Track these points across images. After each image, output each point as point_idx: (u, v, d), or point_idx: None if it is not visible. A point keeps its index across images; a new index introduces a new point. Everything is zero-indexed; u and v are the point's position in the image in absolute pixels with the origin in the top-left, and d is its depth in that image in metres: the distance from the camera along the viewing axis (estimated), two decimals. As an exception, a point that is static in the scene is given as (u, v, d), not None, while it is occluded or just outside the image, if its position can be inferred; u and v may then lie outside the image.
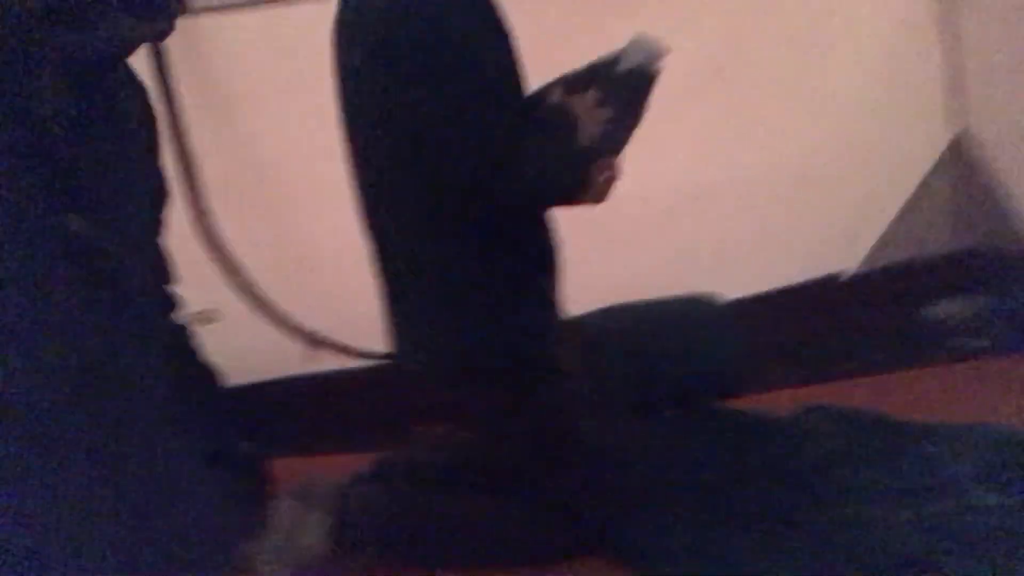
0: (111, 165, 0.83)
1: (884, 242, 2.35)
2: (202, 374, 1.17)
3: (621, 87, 1.34)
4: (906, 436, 1.53)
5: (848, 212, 2.35)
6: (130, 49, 0.87)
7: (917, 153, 2.29)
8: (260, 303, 2.25)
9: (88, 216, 0.78)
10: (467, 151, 1.22)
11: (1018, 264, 2.18)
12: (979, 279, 2.28)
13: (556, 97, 1.33)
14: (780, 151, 2.28)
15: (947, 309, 2.31)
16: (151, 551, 0.80)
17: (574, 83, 1.34)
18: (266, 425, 1.92)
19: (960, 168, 2.27)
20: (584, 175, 1.38)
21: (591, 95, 1.31)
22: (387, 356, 2.34)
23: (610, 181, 1.42)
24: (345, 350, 2.33)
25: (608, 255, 2.13)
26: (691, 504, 1.39)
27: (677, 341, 1.93)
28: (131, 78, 0.93)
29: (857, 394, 1.86)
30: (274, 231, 2.27)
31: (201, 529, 0.90)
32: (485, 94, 1.21)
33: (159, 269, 1.06)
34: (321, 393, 2.26)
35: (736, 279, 2.25)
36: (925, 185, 2.30)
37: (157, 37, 0.92)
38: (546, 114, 1.32)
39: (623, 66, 1.35)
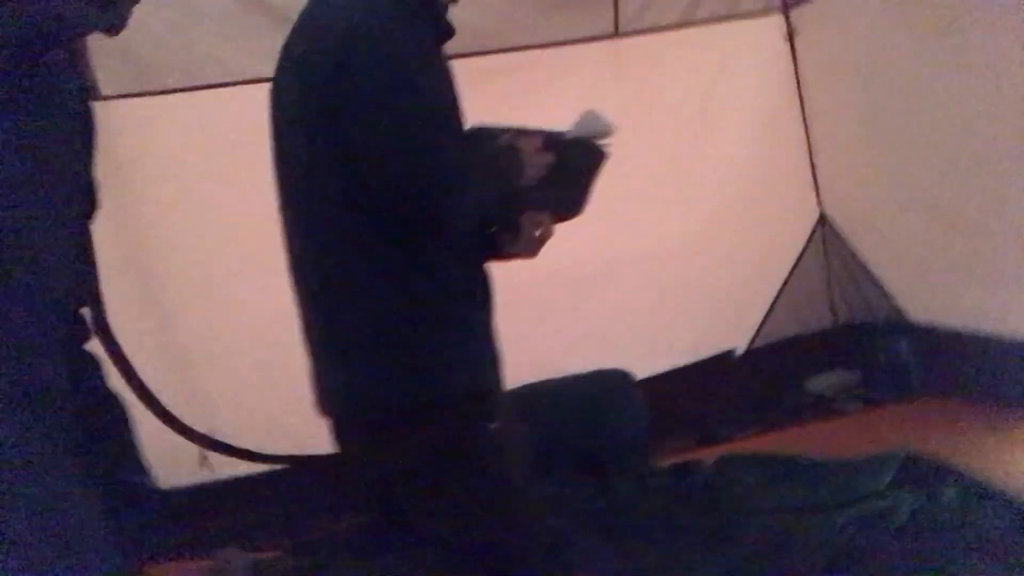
0: (39, 150, 0.79)
1: (768, 320, 2.53)
2: (107, 402, 1.08)
3: (567, 151, 1.42)
4: (816, 466, 1.60)
5: (733, 295, 2.52)
6: (76, 32, 0.87)
7: (789, 236, 2.52)
8: (154, 405, 2.13)
9: (5, 192, 0.74)
10: (418, 172, 1.24)
11: (881, 333, 2.39)
12: (852, 352, 2.48)
13: (505, 136, 1.41)
14: (666, 238, 2.47)
15: (826, 381, 2.48)
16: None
17: (522, 132, 1.42)
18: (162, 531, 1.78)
19: (827, 251, 2.52)
20: (519, 220, 1.44)
21: (537, 139, 1.40)
22: (285, 459, 2.26)
23: (544, 238, 1.49)
24: (242, 454, 2.21)
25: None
26: (644, 537, 1.39)
27: (594, 412, 1.97)
28: (75, 76, 0.92)
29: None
30: (166, 329, 2.19)
31: (81, 557, 0.80)
32: (436, 118, 1.27)
33: (80, 285, 1.00)
34: (218, 499, 2.12)
35: (635, 357, 2.34)
36: (800, 265, 2.52)
37: (106, 28, 0.91)
38: (495, 147, 1.38)
39: (572, 134, 1.45)
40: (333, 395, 1.40)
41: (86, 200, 0.98)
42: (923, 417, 2.03)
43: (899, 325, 2.30)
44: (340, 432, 1.45)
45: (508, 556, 1.38)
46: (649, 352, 2.40)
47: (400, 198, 1.26)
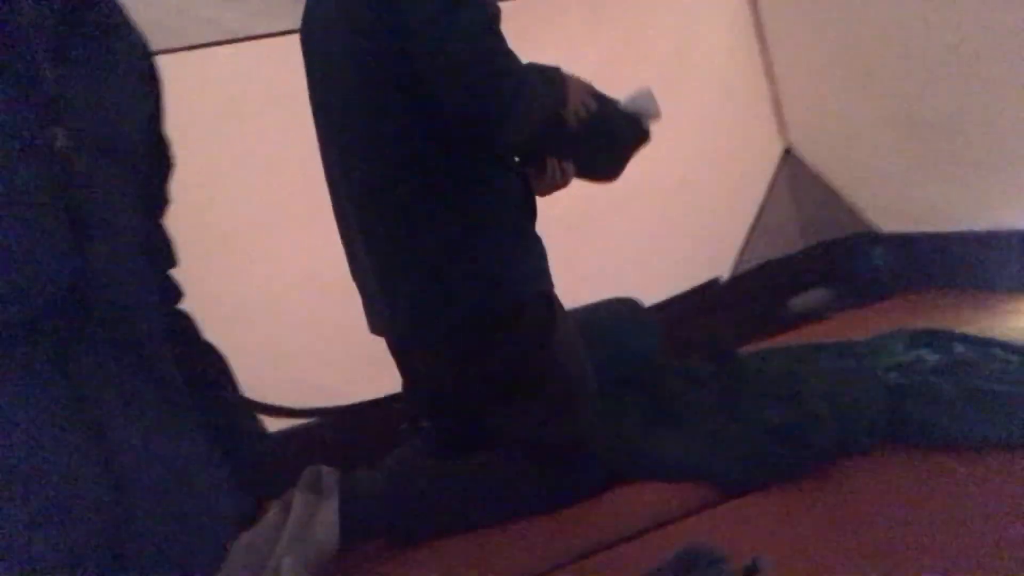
0: (102, 99, 0.78)
1: (747, 248, 2.71)
2: (208, 356, 1.08)
3: (613, 113, 1.53)
4: (835, 344, 1.76)
5: (712, 228, 2.69)
6: None
7: (757, 168, 2.71)
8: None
9: (73, 136, 0.72)
10: (483, 78, 1.31)
11: (853, 247, 2.60)
12: (829, 268, 2.68)
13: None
14: (647, 179, 2.60)
15: (806, 298, 2.68)
16: (142, 539, 0.70)
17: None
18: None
19: (795, 178, 2.71)
20: (546, 160, 1.55)
21: (587, 84, 1.49)
22: (318, 412, 2.29)
23: (560, 184, 1.60)
24: (283, 411, 2.24)
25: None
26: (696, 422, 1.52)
27: (615, 336, 2.08)
28: (135, 31, 0.90)
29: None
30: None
31: (198, 514, 0.79)
32: (495, 29, 1.36)
33: (159, 249, 0.98)
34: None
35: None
36: (770, 195, 2.71)
37: None
38: (547, 68, 1.47)
39: (623, 104, 1.54)
40: (405, 312, 1.48)
41: (158, 157, 0.97)
42: (902, 310, 2.23)
43: (869, 237, 2.51)
44: (410, 346, 1.53)
45: (583, 449, 1.48)
46: (639, 287, 2.53)
47: (465, 107, 1.34)
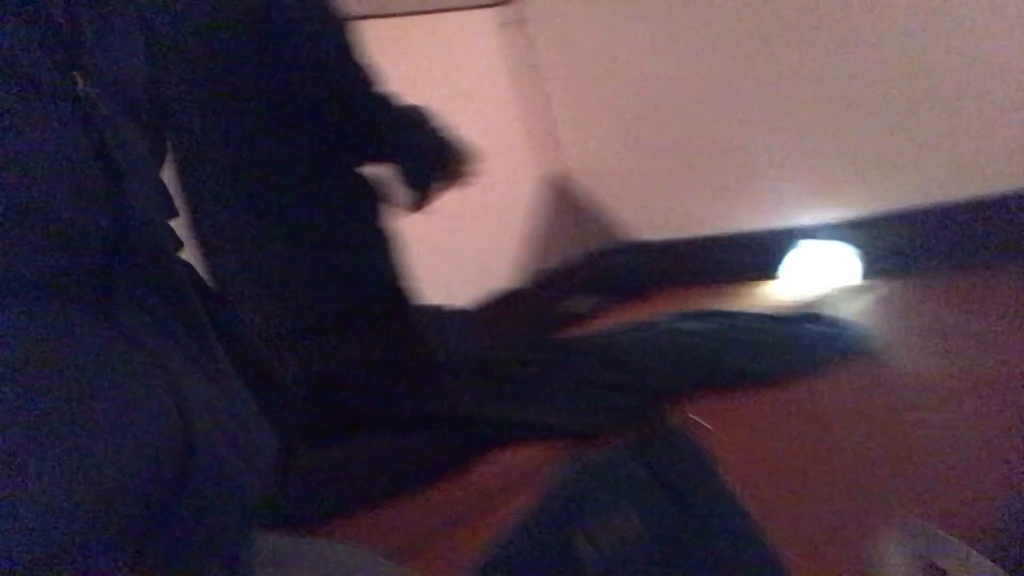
0: (111, 45, 0.77)
1: (529, 260, 3.09)
2: (218, 301, 1.10)
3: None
4: (628, 326, 2.15)
5: (492, 242, 3.03)
6: None
7: (532, 188, 3.11)
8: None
9: (93, 80, 0.70)
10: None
11: (618, 254, 3.09)
12: (595, 275, 3.14)
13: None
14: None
15: (578, 301, 3.11)
16: (203, 458, 0.68)
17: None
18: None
19: (567, 198, 3.15)
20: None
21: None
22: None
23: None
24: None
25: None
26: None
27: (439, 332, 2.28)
28: None
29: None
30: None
31: (248, 447, 0.77)
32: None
33: (163, 199, 1.04)
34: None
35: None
36: (544, 215, 3.12)
37: None
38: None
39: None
40: (306, 300, 1.58)
41: (156, 107, 0.95)
42: (660, 304, 2.71)
43: (629, 244, 3.01)
44: (312, 332, 1.62)
45: (453, 421, 1.68)
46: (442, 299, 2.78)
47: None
